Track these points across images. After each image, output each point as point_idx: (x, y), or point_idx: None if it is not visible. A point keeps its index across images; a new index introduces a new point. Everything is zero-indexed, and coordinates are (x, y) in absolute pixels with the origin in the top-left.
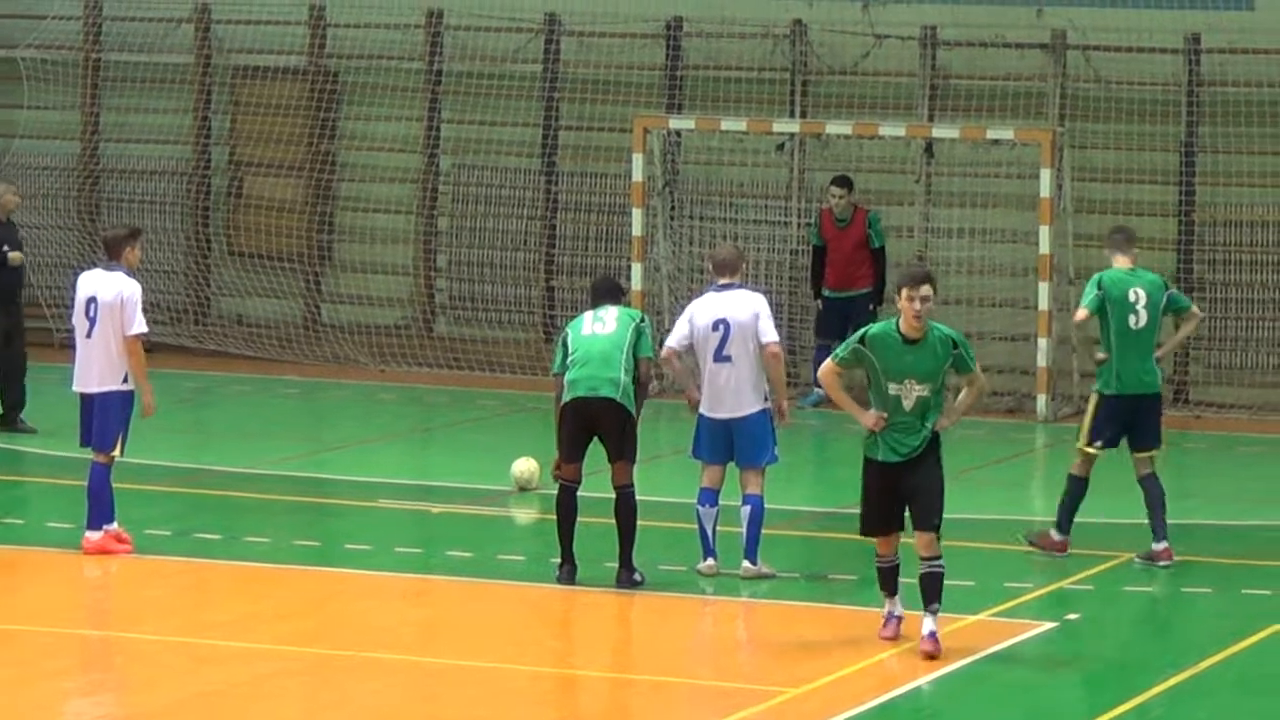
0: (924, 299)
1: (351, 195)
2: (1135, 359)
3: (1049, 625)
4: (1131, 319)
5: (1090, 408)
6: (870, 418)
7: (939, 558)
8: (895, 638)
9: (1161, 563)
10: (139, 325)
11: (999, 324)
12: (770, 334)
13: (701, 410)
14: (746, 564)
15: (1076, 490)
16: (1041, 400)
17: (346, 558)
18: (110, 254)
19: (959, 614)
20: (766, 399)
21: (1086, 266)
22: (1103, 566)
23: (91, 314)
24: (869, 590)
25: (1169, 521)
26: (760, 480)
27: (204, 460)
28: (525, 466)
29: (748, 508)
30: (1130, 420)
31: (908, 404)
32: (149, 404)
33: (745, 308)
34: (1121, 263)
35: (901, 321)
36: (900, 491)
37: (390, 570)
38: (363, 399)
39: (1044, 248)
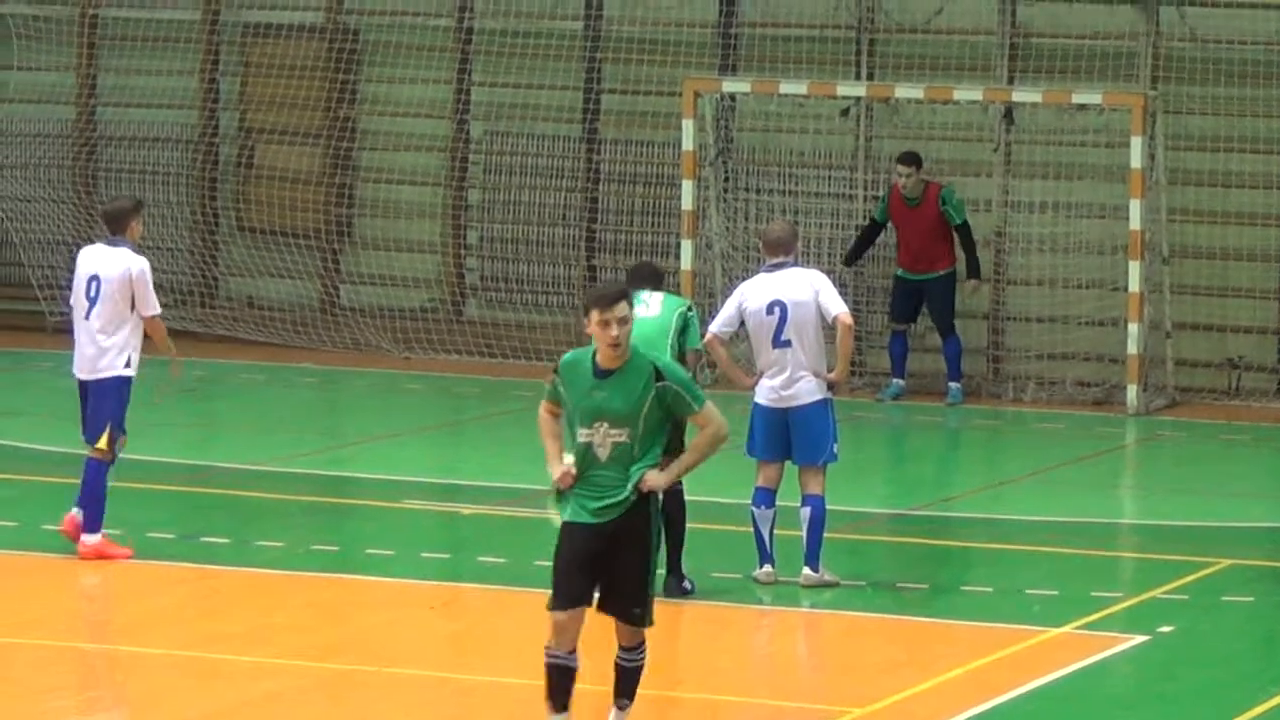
0: (621, 321)
1: (373, 165)
2: None
3: (1140, 639)
4: None
5: None
6: (557, 470)
7: (639, 649)
8: None
9: None
10: (154, 305)
11: (1085, 307)
12: (838, 304)
13: (756, 399)
14: (807, 571)
15: None
16: (1132, 391)
17: (368, 564)
18: (112, 228)
19: (1042, 627)
20: (829, 388)
21: (1181, 244)
22: (1199, 574)
23: (92, 294)
24: (942, 601)
25: (1267, 525)
26: (821, 479)
27: (211, 456)
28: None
29: (808, 509)
30: None
31: (602, 453)
32: (177, 370)
33: (802, 287)
34: None
35: (598, 350)
36: (594, 564)
37: (416, 578)
38: (385, 389)
39: (1135, 223)
